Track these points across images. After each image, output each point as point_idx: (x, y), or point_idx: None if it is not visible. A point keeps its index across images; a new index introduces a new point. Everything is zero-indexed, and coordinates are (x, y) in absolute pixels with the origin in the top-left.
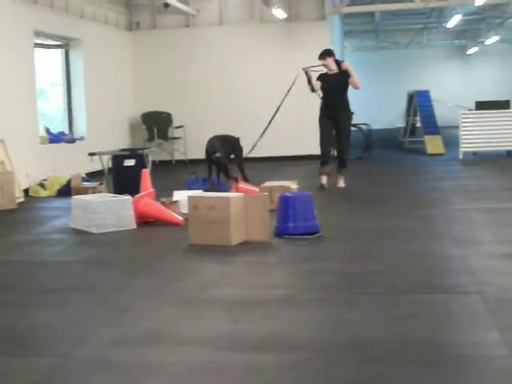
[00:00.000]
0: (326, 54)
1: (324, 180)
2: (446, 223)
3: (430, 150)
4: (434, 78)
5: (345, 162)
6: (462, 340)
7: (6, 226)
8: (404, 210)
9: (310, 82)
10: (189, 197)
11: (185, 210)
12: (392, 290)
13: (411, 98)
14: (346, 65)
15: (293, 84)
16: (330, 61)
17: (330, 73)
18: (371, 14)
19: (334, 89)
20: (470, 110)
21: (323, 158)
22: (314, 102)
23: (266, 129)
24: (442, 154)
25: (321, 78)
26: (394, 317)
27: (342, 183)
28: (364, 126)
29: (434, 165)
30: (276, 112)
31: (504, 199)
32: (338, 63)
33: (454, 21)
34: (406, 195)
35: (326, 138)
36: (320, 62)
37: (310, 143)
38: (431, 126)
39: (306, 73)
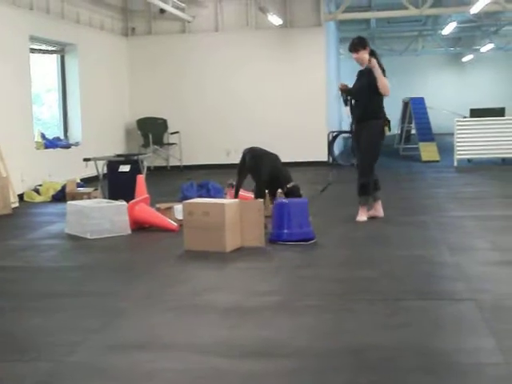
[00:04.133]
0: (359, 43)
1: (362, 215)
2: (441, 230)
3: (424, 156)
4: (429, 86)
5: (364, 187)
6: (457, 347)
7: (0, 232)
8: (398, 217)
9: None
10: (184, 203)
11: (180, 216)
12: (387, 297)
13: (406, 104)
14: (373, 62)
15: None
16: (362, 54)
17: (362, 68)
18: (367, 21)
19: (358, 91)
20: (465, 117)
21: (359, 188)
22: (316, 107)
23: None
24: (436, 161)
25: (357, 76)
26: (389, 324)
27: (377, 211)
28: None
29: (429, 172)
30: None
31: (498, 206)
32: (374, 56)
33: (449, 28)
34: (400, 202)
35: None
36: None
37: (308, 149)
38: (426, 133)
39: (344, 91)
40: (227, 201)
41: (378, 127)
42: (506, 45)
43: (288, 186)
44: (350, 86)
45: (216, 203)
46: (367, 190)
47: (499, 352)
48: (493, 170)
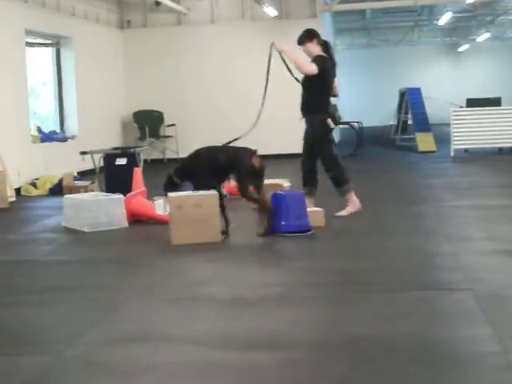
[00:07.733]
0: (305, 36)
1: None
2: (438, 220)
3: (421, 147)
4: (425, 76)
5: (335, 180)
6: (455, 337)
7: None
8: (396, 207)
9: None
10: (170, 197)
11: (161, 211)
12: (385, 288)
13: (403, 95)
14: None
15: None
16: (310, 46)
17: None
18: (362, 12)
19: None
20: (462, 107)
21: (303, 177)
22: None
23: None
24: (433, 152)
25: None
26: (387, 314)
27: (343, 211)
28: (356, 124)
29: (426, 162)
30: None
31: (495, 196)
32: (325, 47)
33: (445, 18)
34: (397, 192)
35: (303, 153)
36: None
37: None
38: (423, 124)
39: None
40: (215, 192)
41: (318, 121)
42: (502, 34)
43: None
44: None
45: (206, 195)
46: (341, 181)
47: (497, 341)
48: (489, 160)
